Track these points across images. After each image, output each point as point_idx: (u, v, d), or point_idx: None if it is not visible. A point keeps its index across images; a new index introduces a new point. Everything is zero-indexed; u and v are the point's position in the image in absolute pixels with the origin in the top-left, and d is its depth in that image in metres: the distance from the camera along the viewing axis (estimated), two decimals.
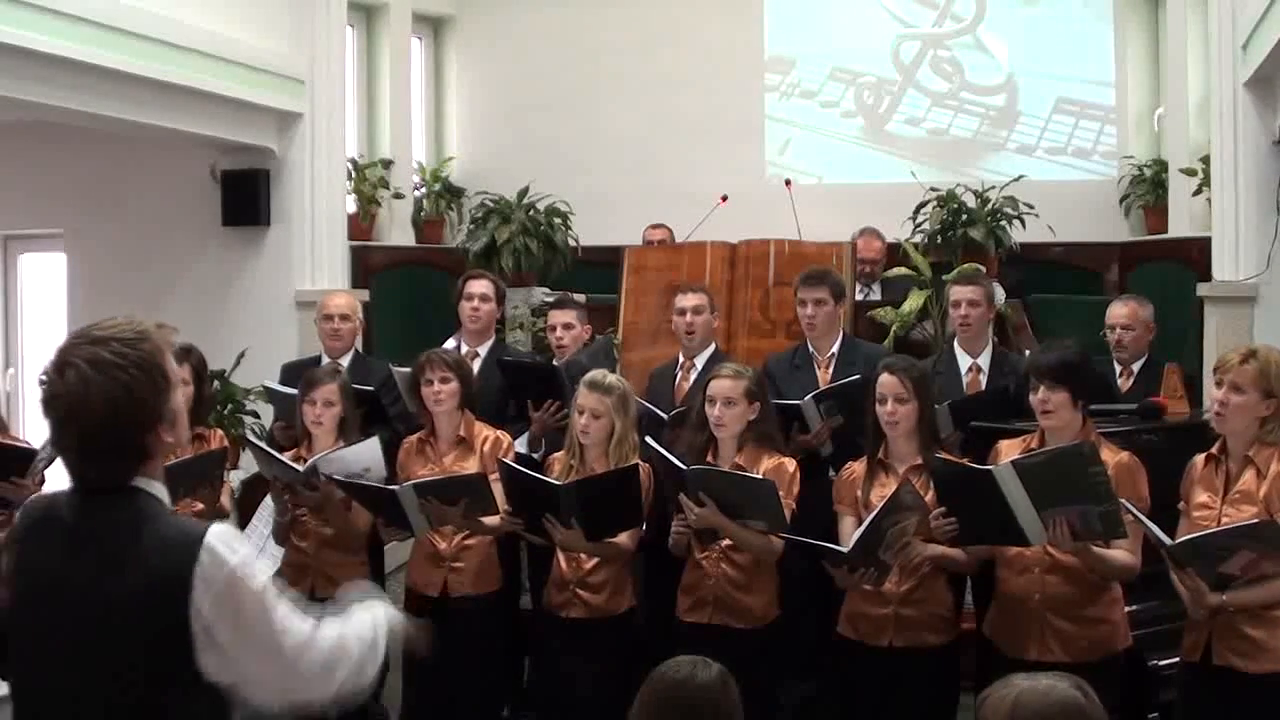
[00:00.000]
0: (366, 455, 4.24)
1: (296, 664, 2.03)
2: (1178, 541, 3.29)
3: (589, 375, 4.22)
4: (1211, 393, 3.50)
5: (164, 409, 1.99)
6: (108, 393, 1.93)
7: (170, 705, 1.93)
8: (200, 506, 4.39)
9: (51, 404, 1.97)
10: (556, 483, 4.00)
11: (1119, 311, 5.23)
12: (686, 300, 5.00)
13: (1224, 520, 3.40)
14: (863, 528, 3.64)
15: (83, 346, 1.95)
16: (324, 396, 4.46)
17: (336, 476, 4.19)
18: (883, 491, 3.86)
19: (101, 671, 1.92)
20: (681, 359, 5.05)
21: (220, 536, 1.96)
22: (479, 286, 5.26)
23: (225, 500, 4.56)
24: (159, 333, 2.04)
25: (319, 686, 2.08)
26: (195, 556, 1.91)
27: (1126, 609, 3.76)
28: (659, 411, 4.65)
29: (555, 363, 5.23)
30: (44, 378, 1.98)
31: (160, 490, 2.03)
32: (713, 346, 5.05)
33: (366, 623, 2.22)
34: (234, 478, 5.26)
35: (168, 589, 1.90)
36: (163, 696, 1.92)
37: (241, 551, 1.97)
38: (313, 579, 4.38)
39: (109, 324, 2.00)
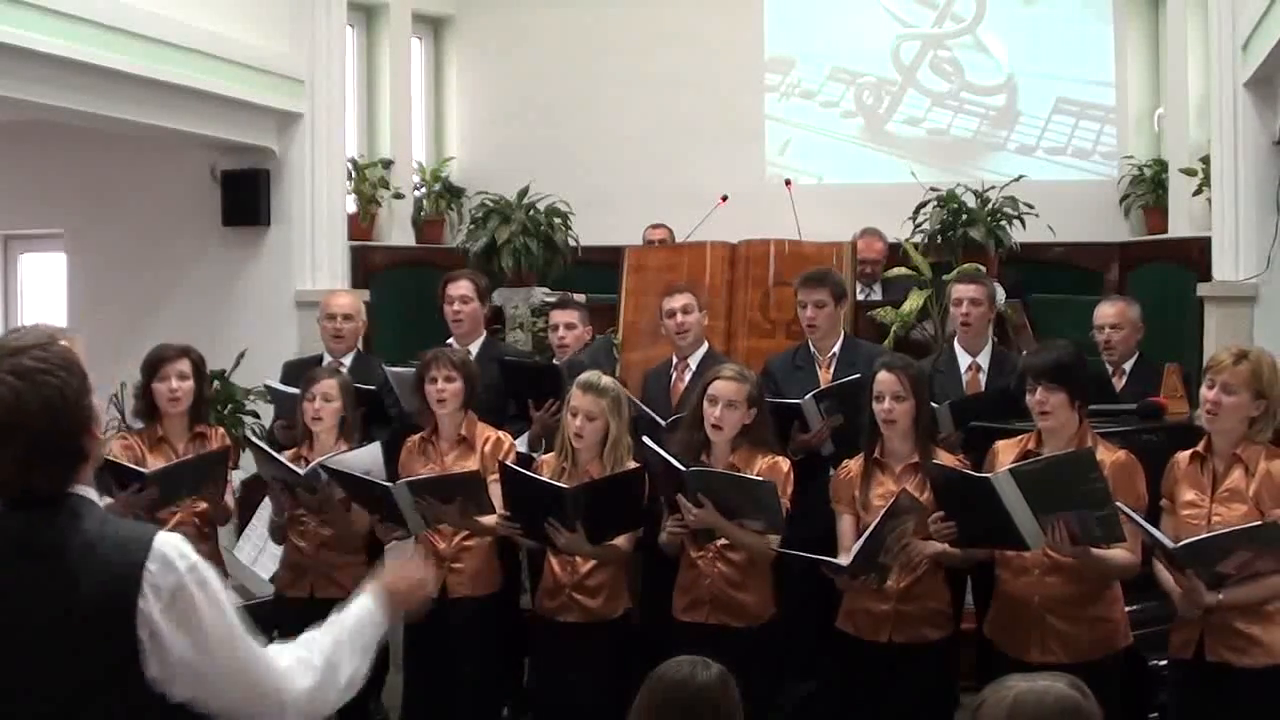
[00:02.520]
0: (367, 459, 4.25)
1: (255, 671, 1.97)
2: (1180, 544, 3.29)
3: (583, 377, 4.21)
4: (1203, 393, 3.51)
5: (91, 408, 1.95)
6: (43, 398, 1.87)
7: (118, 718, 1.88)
8: (204, 506, 4.40)
9: None
10: (563, 486, 3.98)
11: (1107, 311, 5.24)
12: (674, 301, 5.01)
13: (1214, 519, 3.41)
14: (863, 539, 3.65)
15: (2, 360, 1.88)
16: (323, 392, 4.47)
17: (334, 469, 4.19)
18: (880, 490, 3.87)
19: (48, 686, 1.86)
20: (675, 360, 5.05)
21: (168, 543, 1.90)
22: (458, 289, 5.25)
23: (229, 499, 4.57)
24: (69, 339, 2.01)
25: (279, 700, 2.01)
26: (143, 564, 1.86)
27: (1126, 609, 3.76)
28: (656, 417, 4.65)
29: (556, 362, 5.23)
30: None
31: (93, 494, 1.98)
32: (705, 346, 5.06)
33: (328, 640, 2.16)
34: (234, 478, 5.26)
35: (116, 597, 1.85)
36: (112, 710, 1.87)
37: (191, 558, 1.91)
38: (312, 580, 4.39)
39: (16, 335, 1.95)
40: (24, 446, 1.87)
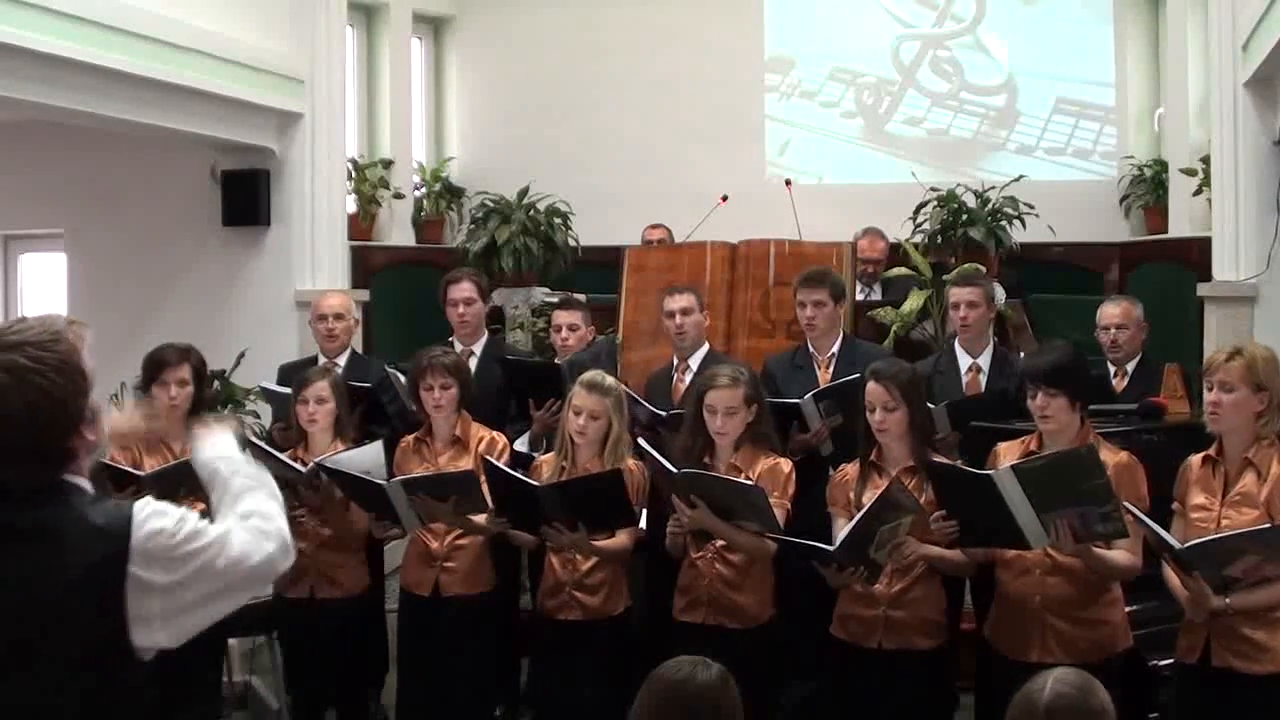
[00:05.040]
0: (369, 459, 4.25)
1: (248, 563, 2.07)
2: (1186, 546, 3.27)
3: (586, 376, 4.21)
4: (1205, 396, 3.50)
5: (85, 409, 1.99)
6: (27, 399, 1.91)
7: (107, 698, 1.94)
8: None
9: None
10: (535, 484, 4.00)
11: (1111, 311, 5.22)
12: (675, 302, 5.00)
13: (1224, 522, 3.38)
14: (850, 526, 3.63)
15: None
16: (316, 394, 4.47)
17: (330, 468, 4.19)
18: (875, 493, 3.86)
19: (37, 674, 1.90)
20: (676, 361, 5.05)
21: (145, 507, 1.99)
22: (460, 291, 5.24)
23: None
24: (72, 329, 2.03)
25: (275, 551, 2.14)
26: (128, 537, 1.93)
27: (1126, 609, 3.75)
28: (656, 410, 4.65)
29: (557, 362, 5.23)
30: None
31: (86, 485, 2.02)
32: (706, 346, 5.06)
33: (237, 469, 2.26)
34: None
35: (104, 569, 1.91)
36: (100, 689, 1.93)
37: (171, 511, 2.00)
38: (312, 580, 4.38)
39: (20, 327, 1.98)
40: (3, 442, 1.92)
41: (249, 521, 2.13)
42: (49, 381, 1.92)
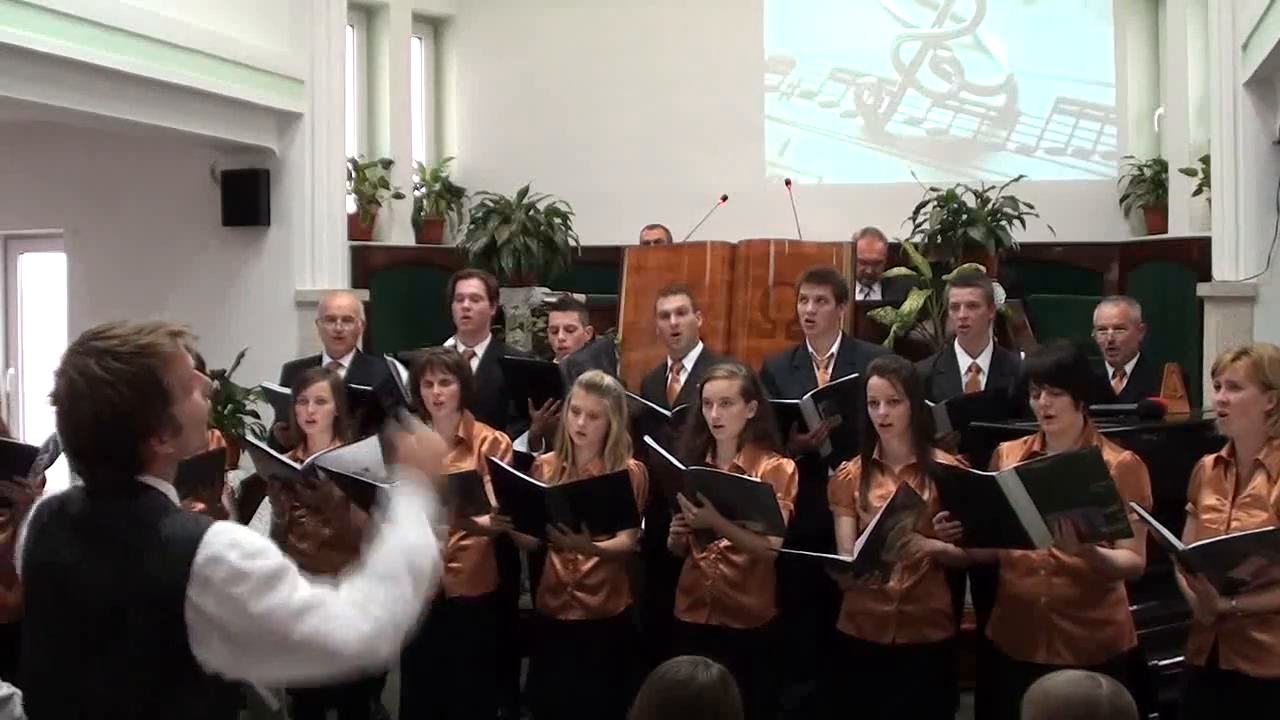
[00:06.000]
0: (366, 455, 4.24)
1: (322, 640, 2.00)
2: (1190, 547, 3.27)
3: (585, 376, 4.22)
4: (1213, 397, 3.49)
5: (157, 419, 1.99)
6: (92, 407, 1.95)
7: (172, 699, 1.95)
8: (201, 506, 4.39)
9: (52, 405, 2.01)
10: (542, 485, 4.00)
11: (1110, 312, 5.22)
12: (668, 303, 5.01)
13: (1233, 524, 3.37)
14: (864, 536, 3.64)
15: (78, 356, 1.97)
16: (315, 394, 4.47)
17: (331, 469, 4.19)
18: (879, 491, 3.87)
19: (106, 665, 1.94)
20: (670, 361, 5.06)
21: (219, 534, 1.95)
22: (469, 287, 5.26)
23: (225, 500, 4.56)
24: (169, 342, 2.02)
25: (360, 648, 2.05)
26: (191, 558, 1.91)
27: (1129, 609, 3.75)
28: (659, 409, 4.65)
29: (556, 362, 5.23)
30: (53, 377, 2.01)
31: (167, 488, 2.04)
32: (700, 347, 5.06)
33: (397, 551, 2.19)
34: (234, 478, 5.26)
35: (166, 587, 1.91)
36: (165, 691, 1.94)
37: (248, 544, 1.96)
38: (313, 581, 4.37)
39: (114, 331, 2.00)
40: (74, 441, 1.99)
41: (359, 597, 2.10)
42: (118, 395, 1.95)
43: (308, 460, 4.27)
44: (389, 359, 5.03)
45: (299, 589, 1.99)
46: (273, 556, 1.98)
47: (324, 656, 2.01)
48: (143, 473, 2.01)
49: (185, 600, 1.90)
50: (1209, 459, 3.54)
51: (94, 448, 1.99)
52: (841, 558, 3.74)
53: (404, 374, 4.78)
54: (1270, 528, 3.25)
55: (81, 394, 1.95)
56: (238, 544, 1.94)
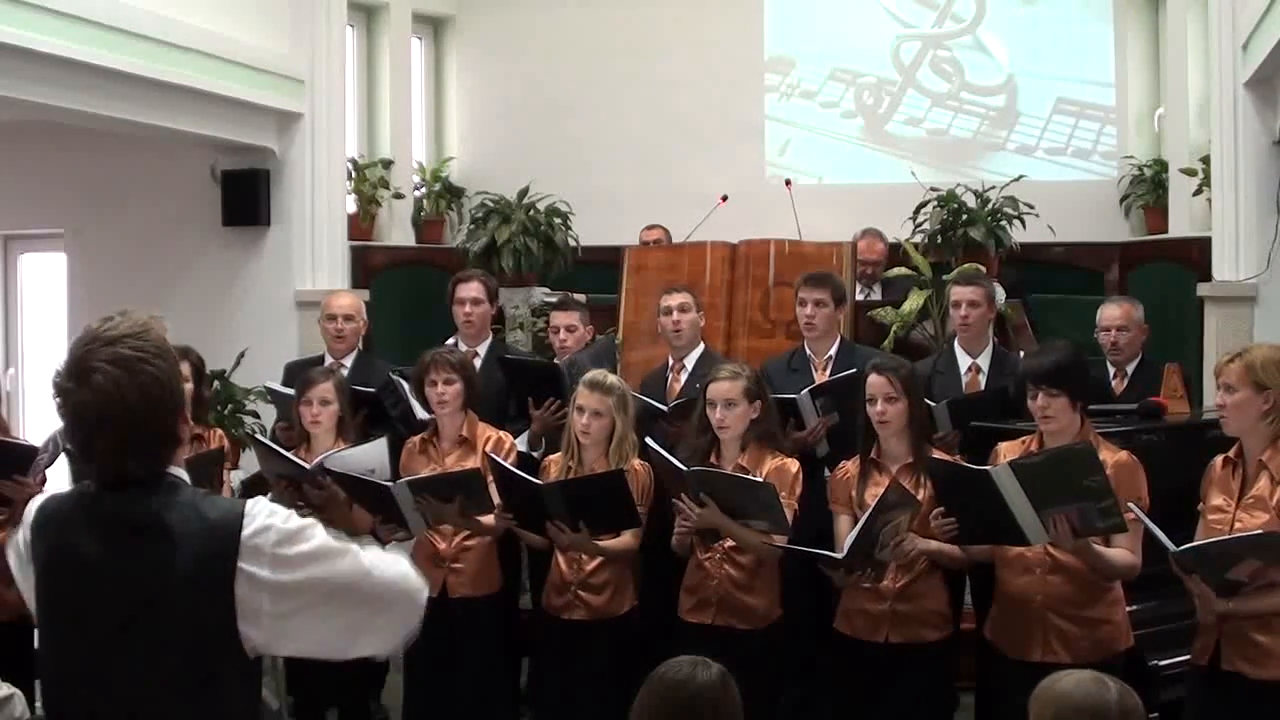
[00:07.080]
0: (373, 456, 4.24)
1: (376, 596, 2.08)
2: (1183, 548, 3.27)
3: (589, 375, 4.22)
4: (1214, 399, 3.50)
5: (181, 393, 2.05)
6: (142, 387, 1.96)
7: (218, 682, 1.97)
8: None
9: (80, 411, 1.97)
10: (539, 482, 4.01)
11: (1112, 313, 5.22)
12: (671, 300, 5.02)
13: (1236, 525, 3.38)
14: (855, 531, 3.65)
15: (100, 349, 1.97)
16: (320, 395, 4.47)
17: (337, 470, 4.19)
18: (876, 490, 3.87)
19: (142, 660, 1.95)
20: (671, 360, 5.06)
21: (257, 505, 2.01)
22: (469, 290, 5.25)
23: None
24: (156, 323, 2.07)
25: (406, 585, 2.15)
26: (239, 531, 1.95)
27: (1126, 609, 3.75)
28: (659, 405, 4.65)
29: (556, 361, 5.23)
30: (66, 386, 1.98)
31: (184, 474, 2.07)
32: (701, 346, 5.07)
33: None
34: (234, 478, 5.26)
35: (216, 565, 1.94)
36: (211, 674, 1.96)
37: (282, 511, 2.01)
38: None
39: (111, 324, 2.02)
40: (122, 433, 1.96)
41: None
42: (155, 367, 1.97)
43: (316, 460, 4.26)
44: (394, 377, 5.02)
45: (330, 537, 2.06)
46: (304, 518, 2.05)
47: (375, 593, 2.08)
48: (171, 460, 2.03)
49: (236, 573, 1.94)
50: (1219, 459, 3.54)
51: (145, 433, 1.97)
52: (832, 554, 3.73)
53: (408, 389, 4.76)
54: (1260, 531, 3.25)
55: (123, 380, 1.94)
56: (275, 511, 2.01)
